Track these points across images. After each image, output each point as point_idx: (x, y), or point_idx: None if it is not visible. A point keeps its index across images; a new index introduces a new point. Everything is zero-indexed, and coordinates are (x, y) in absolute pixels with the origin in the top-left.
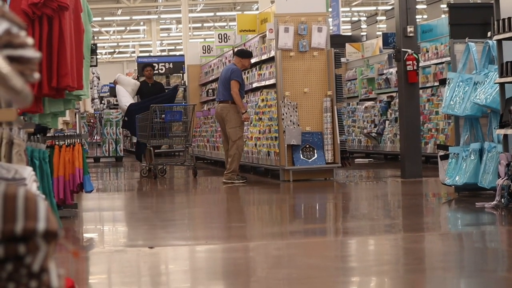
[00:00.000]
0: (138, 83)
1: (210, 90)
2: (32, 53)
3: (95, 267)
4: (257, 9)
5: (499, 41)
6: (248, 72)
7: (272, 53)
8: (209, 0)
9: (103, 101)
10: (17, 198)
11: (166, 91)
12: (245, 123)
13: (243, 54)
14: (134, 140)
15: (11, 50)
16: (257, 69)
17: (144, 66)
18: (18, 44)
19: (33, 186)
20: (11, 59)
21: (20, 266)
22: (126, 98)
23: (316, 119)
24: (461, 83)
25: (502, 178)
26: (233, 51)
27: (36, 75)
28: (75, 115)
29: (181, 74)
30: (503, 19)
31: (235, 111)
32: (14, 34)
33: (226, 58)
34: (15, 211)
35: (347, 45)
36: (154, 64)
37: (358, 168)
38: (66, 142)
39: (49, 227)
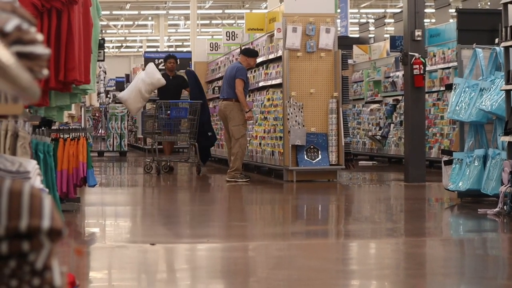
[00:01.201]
0: (163, 82)
1: (216, 88)
2: (42, 50)
3: (96, 262)
4: (265, 8)
5: (507, 48)
6: (254, 71)
7: (280, 53)
8: None
9: (108, 95)
10: (22, 195)
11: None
12: (249, 121)
13: (250, 53)
14: (139, 135)
15: (21, 46)
16: (264, 68)
17: (167, 58)
18: (28, 41)
19: (37, 180)
20: (20, 55)
21: (23, 263)
22: (128, 91)
23: (321, 120)
24: (467, 89)
25: (505, 185)
26: (241, 49)
27: (45, 72)
28: (81, 108)
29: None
30: (511, 26)
31: (238, 109)
32: (24, 30)
33: (233, 56)
34: (20, 208)
35: (354, 47)
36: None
37: (361, 170)
38: (70, 136)
39: (54, 225)
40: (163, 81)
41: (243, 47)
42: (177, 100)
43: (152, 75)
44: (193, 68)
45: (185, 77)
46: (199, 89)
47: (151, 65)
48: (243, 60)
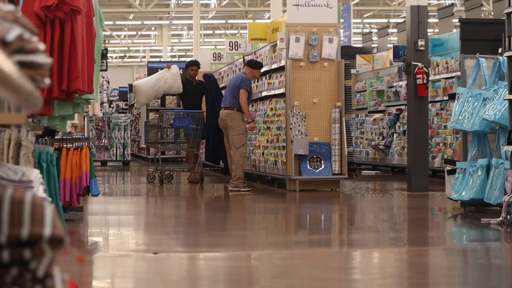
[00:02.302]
0: (181, 90)
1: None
2: (44, 59)
3: (99, 271)
4: (268, 17)
5: (510, 58)
6: (257, 81)
7: (283, 63)
8: (221, 7)
9: (112, 105)
10: (24, 203)
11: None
12: (250, 131)
13: (255, 65)
14: (142, 145)
15: (23, 55)
16: (267, 77)
17: (189, 65)
18: (30, 50)
19: (39, 189)
20: (22, 65)
21: (25, 271)
22: (147, 84)
23: (324, 129)
24: (470, 99)
25: (509, 195)
26: (244, 60)
27: (47, 81)
28: (84, 118)
29: None
30: None
31: (240, 118)
32: (26, 40)
33: (236, 66)
34: (21, 216)
35: (357, 56)
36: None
37: (364, 180)
38: (73, 145)
39: (55, 233)
40: (180, 90)
41: (246, 57)
42: (200, 107)
43: (175, 80)
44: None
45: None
46: (217, 95)
47: (177, 68)
48: (248, 71)
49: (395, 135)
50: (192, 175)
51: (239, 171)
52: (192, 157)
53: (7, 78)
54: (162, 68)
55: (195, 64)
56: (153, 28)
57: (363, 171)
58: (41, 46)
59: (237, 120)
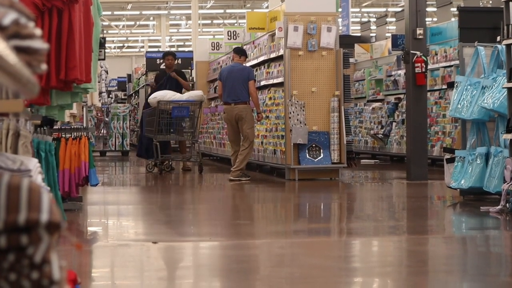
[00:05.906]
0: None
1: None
2: (40, 44)
3: (98, 261)
4: (267, 7)
5: (508, 46)
6: (256, 70)
7: (281, 52)
8: None
9: (110, 95)
10: (20, 189)
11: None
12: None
13: (246, 53)
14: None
15: (19, 40)
16: (266, 67)
17: (165, 55)
18: (26, 35)
19: (38, 178)
20: (19, 50)
21: (22, 257)
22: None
23: (323, 118)
24: (469, 87)
25: (508, 183)
26: (238, 50)
27: (44, 66)
28: (82, 108)
29: (190, 70)
30: None
31: (251, 111)
32: (22, 25)
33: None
34: (18, 202)
35: (356, 45)
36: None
37: (363, 169)
38: (72, 135)
39: (52, 218)
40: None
41: (236, 47)
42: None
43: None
44: (194, 68)
45: (183, 73)
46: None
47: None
48: (243, 60)
49: (394, 124)
50: (185, 163)
51: (244, 163)
52: (186, 146)
53: (4, 63)
54: (160, 58)
55: (170, 54)
56: (151, 18)
57: (362, 160)
58: (38, 31)
59: (250, 113)
